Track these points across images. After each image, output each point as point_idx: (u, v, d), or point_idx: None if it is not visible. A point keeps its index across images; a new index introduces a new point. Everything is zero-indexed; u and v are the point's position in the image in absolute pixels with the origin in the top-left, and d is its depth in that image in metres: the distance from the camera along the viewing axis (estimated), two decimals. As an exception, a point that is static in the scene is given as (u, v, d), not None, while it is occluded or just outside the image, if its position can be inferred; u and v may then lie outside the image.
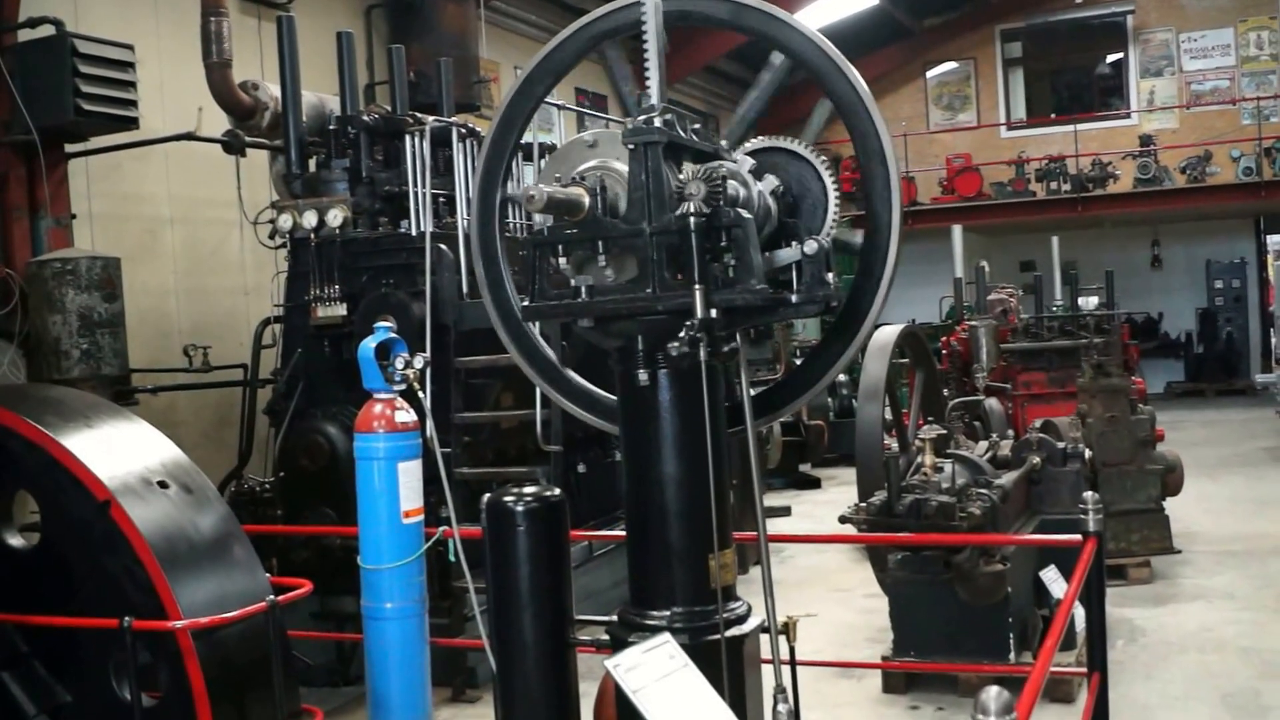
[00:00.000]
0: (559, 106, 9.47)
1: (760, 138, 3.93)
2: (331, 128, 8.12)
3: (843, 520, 6.43)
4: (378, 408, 4.65)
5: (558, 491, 3.95)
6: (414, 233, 7.61)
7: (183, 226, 10.46)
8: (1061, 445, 7.68)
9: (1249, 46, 23.29)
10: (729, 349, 3.63)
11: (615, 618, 3.77)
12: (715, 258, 3.39)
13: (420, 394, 4.63)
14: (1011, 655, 6.53)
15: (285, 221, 7.83)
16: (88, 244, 8.83)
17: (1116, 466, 9.23)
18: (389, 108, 8.58)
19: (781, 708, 3.52)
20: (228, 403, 9.64)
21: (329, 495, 7.44)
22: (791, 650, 4.03)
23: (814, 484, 14.89)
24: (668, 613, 3.60)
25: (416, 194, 7.67)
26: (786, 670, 3.70)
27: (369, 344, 4.66)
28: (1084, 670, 4.94)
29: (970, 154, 23.47)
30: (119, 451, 4.33)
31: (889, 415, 8.52)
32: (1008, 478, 7.06)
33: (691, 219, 3.28)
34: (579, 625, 3.98)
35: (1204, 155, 21.76)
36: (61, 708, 4.33)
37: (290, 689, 4.34)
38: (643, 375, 3.53)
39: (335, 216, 7.65)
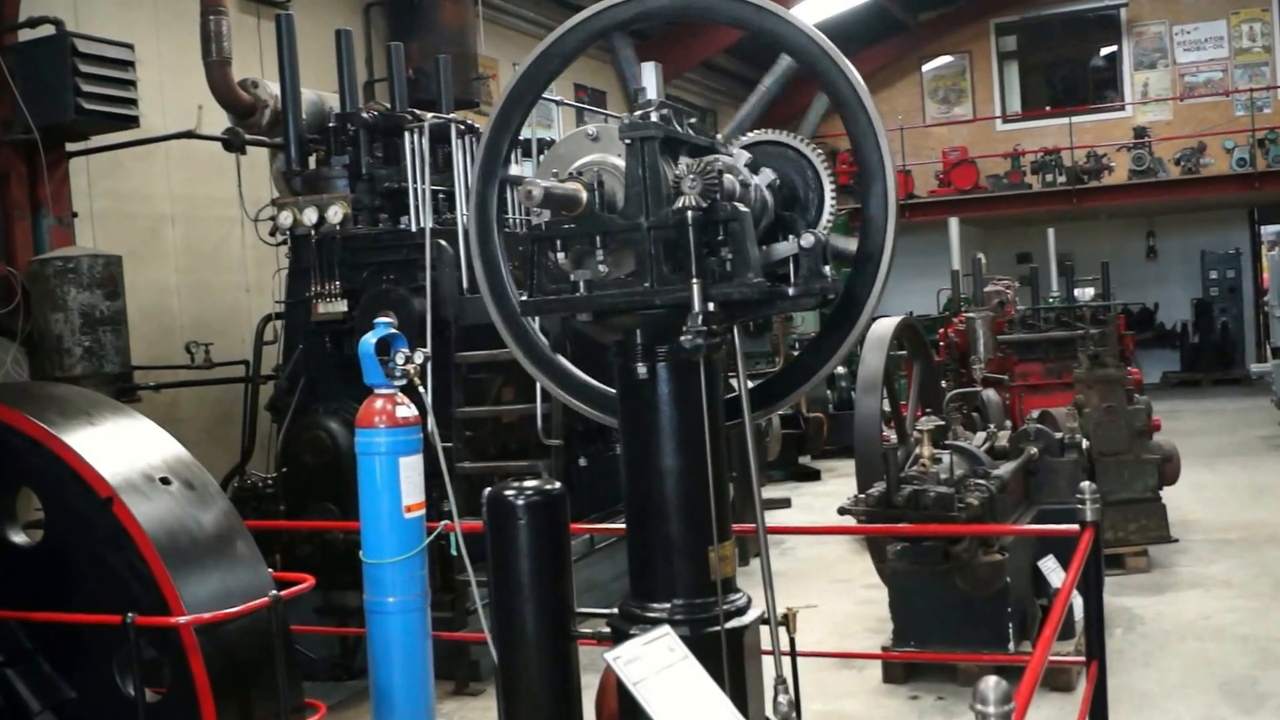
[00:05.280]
0: (557, 102, 9.48)
1: (757, 131, 3.94)
2: (331, 125, 8.13)
3: (842, 512, 6.45)
4: (379, 403, 4.66)
5: (558, 485, 3.96)
6: (414, 229, 7.63)
7: (184, 224, 10.47)
8: (1059, 436, 7.71)
9: (1242, 38, 23.30)
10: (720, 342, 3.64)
11: (616, 610, 3.78)
12: (712, 251, 3.40)
13: (421, 389, 4.65)
14: (1011, 644, 6.55)
15: (286, 218, 7.84)
16: (89, 242, 8.85)
17: (1113, 456, 9.25)
18: (388, 105, 8.60)
19: (782, 698, 3.54)
20: (230, 399, 9.66)
21: (331, 490, 7.45)
22: (791, 641, 4.06)
23: (813, 476, 14.92)
24: (668, 605, 3.60)
25: (416, 190, 7.69)
26: (787, 661, 3.72)
27: (370, 339, 4.67)
28: (1083, 659, 4.97)
29: (966, 147, 23.50)
30: (121, 448, 4.33)
31: (887, 407, 8.55)
32: (1005, 468, 7.09)
33: (688, 213, 3.29)
34: (580, 618, 3.98)
35: (1198, 147, 21.76)
36: (66, 703, 4.34)
37: (293, 683, 4.35)
38: (641, 369, 3.55)
39: (335, 213, 7.66)
